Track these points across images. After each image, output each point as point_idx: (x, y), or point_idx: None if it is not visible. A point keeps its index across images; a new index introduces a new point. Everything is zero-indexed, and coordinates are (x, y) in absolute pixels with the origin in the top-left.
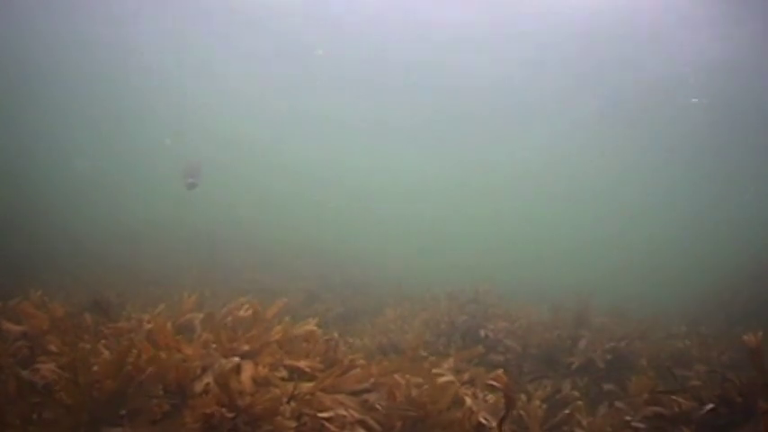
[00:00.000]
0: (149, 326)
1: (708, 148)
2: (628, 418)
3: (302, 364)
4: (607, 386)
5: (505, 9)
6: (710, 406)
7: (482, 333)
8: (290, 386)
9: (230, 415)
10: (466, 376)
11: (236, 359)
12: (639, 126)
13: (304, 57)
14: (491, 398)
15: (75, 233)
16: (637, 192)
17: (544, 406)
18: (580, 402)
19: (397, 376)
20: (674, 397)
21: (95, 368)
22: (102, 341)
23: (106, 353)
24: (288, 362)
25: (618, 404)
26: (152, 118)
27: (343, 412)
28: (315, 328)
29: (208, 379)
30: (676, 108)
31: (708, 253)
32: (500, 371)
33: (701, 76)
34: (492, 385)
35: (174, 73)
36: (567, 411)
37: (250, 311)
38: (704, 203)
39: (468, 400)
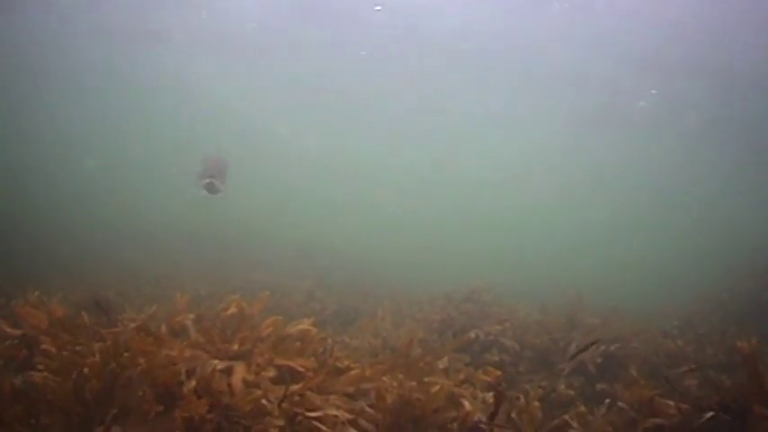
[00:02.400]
0: (134, 324)
1: (706, 147)
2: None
3: (296, 363)
4: (600, 386)
5: None
6: (710, 414)
7: (473, 334)
8: (281, 388)
9: (214, 417)
10: (461, 376)
11: (216, 362)
12: (637, 125)
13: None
14: (490, 397)
15: (79, 232)
16: (634, 191)
17: (537, 404)
18: (583, 408)
19: (389, 377)
20: (671, 403)
21: (85, 370)
22: (99, 343)
23: (98, 355)
24: (280, 362)
25: (620, 404)
26: (161, 115)
27: (334, 412)
28: (309, 327)
29: (197, 380)
30: (675, 107)
31: (706, 253)
32: (490, 368)
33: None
34: (487, 382)
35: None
36: (564, 417)
37: (236, 309)
38: (702, 203)
39: (466, 402)
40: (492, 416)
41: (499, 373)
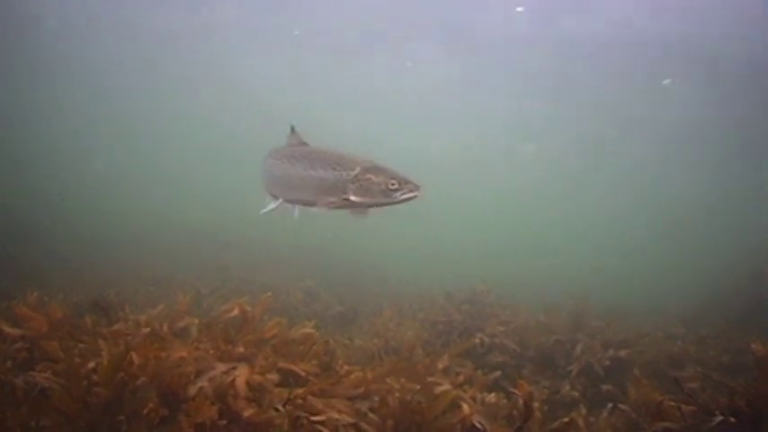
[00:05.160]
0: (146, 329)
1: (706, 148)
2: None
3: (298, 367)
4: (605, 387)
5: None
6: (720, 418)
7: (478, 337)
8: (284, 392)
9: (225, 422)
10: (461, 378)
11: (223, 366)
12: (638, 127)
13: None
14: (490, 398)
15: (80, 232)
16: (635, 192)
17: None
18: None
19: (391, 380)
20: (679, 405)
21: (91, 374)
22: (101, 341)
23: (103, 358)
24: (283, 365)
25: (622, 407)
26: (167, 115)
27: (336, 416)
28: (312, 330)
29: (202, 383)
30: (674, 109)
31: (707, 253)
32: (522, 382)
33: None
34: (513, 393)
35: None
36: (565, 420)
37: (238, 311)
38: (703, 203)
39: (465, 406)
40: (518, 429)
41: (526, 386)
